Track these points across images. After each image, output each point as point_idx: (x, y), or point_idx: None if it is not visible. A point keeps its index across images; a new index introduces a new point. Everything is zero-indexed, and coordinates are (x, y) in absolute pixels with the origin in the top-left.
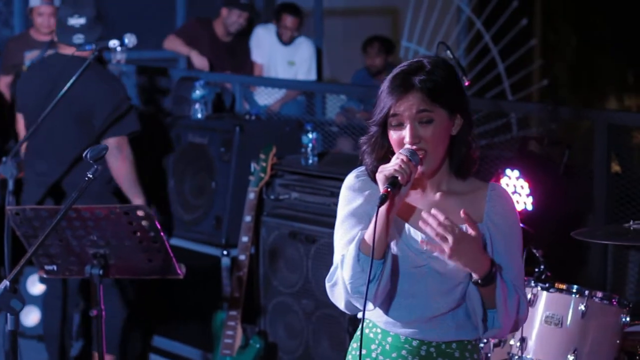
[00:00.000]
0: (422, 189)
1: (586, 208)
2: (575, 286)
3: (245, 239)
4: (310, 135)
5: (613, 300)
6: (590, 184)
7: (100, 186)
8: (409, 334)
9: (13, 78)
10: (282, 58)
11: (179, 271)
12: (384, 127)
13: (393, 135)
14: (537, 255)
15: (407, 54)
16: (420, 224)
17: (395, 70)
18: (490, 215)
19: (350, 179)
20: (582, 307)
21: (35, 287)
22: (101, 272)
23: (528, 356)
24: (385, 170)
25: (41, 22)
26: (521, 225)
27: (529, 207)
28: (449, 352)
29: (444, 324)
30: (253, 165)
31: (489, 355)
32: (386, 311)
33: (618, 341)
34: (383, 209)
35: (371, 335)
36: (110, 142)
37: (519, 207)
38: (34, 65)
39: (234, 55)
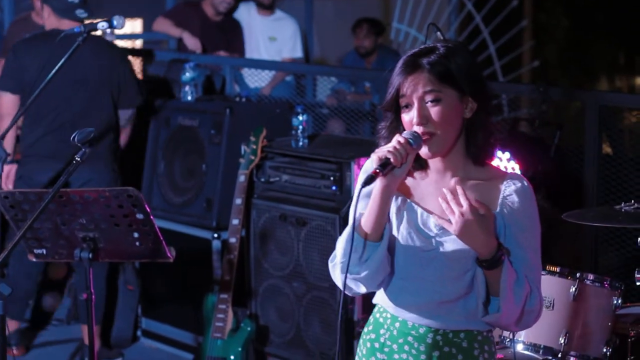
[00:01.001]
0: (438, 174)
1: (577, 190)
2: (566, 269)
3: (235, 221)
4: (300, 118)
5: (605, 282)
6: (581, 165)
7: (112, 153)
8: (416, 320)
9: None
10: (262, 33)
11: (168, 254)
12: (397, 111)
13: (405, 117)
14: None
15: (397, 35)
16: (441, 198)
17: (407, 53)
18: (506, 205)
19: (367, 163)
20: (573, 290)
21: None
22: (90, 255)
23: (520, 339)
24: (380, 151)
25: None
26: None
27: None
28: (457, 342)
29: (452, 312)
30: (243, 148)
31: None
32: (394, 295)
33: (610, 323)
34: (377, 190)
35: (381, 320)
36: (129, 113)
37: None
38: (28, 46)
39: (225, 34)
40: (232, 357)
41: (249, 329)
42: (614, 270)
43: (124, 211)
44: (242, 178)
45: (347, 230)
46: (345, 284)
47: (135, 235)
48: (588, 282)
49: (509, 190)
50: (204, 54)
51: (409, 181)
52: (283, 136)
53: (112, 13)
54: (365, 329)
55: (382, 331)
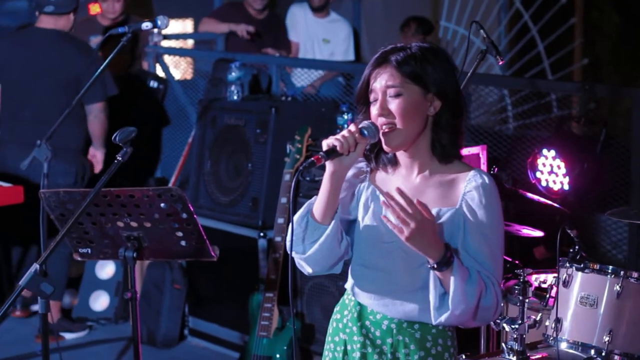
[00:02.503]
0: (406, 169)
1: (623, 188)
2: (610, 266)
3: (281, 220)
4: (345, 116)
5: None
6: (627, 162)
7: (75, 145)
8: (375, 307)
9: None
10: (317, 35)
11: (212, 253)
12: (368, 103)
13: (372, 110)
14: (572, 235)
15: (446, 33)
16: (382, 204)
17: (380, 50)
18: (466, 201)
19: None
20: (617, 288)
21: (104, 271)
22: (135, 254)
23: (563, 337)
24: (329, 138)
25: (106, 8)
26: (556, 205)
27: (566, 187)
28: (410, 332)
29: (409, 303)
30: (289, 147)
31: (524, 336)
32: (356, 280)
33: None
34: (325, 175)
35: (347, 301)
36: (96, 107)
37: (556, 187)
38: (10, 39)
39: (271, 31)
40: (277, 355)
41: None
42: None
43: (167, 210)
44: (287, 177)
45: (300, 211)
46: (291, 262)
47: (179, 234)
48: (632, 280)
49: (469, 187)
50: (250, 53)
51: (381, 175)
52: (328, 135)
53: (162, 13)
54: (335, 310)
55: (345, 312)
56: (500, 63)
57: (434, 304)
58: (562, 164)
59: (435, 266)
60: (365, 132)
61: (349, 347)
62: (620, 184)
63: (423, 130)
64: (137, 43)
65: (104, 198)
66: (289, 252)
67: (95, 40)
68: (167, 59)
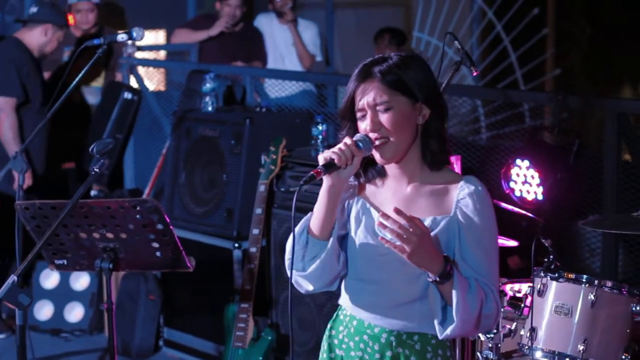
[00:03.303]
0: (395, 180)
1: (596, 197)
2: (584, 276)
3: (256, 231)
4: (320, 127)
5: (623, 289)
6: (600, 172)
7: None
8: (372, 320)
9: (52, 73)
10: (284, 41)
11: (188, 264)
12: (353, 118)
13: (361, 126)
14: (546, 245)
15: (419, 44)
16: (378, 226)
17: (361, 62)
18: (460, 209)
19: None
20: (591, 297)
21: (49, 281)
22: (111, 266)
23: (538, 346)
24: (325, 152)
25: (80, 19)
26: (530, 215)
27: (540, 197)
28: (410, 344)
29: (407, 315)
30: (263, 158)
31: (499, 345)
32: (351, 295)
33: (628, 330)
34: (323, 189)
35: (341, 317)
36: None
37: (530, 197)
38: None
39: (245, 44)
40: None
41: (269, 338)
42: (633, 278)
43: (143, 222)
44: (262, 188)
45: (298, 227)
46: (292, 279)
47: (155, 245)
48: (606, 289)
49: (462, 194)
50: (224, 65)
51: (369, 188)
52: (303, 146)
53: (135, 25)
54: (328, 326)
55: (340, 328)
56: (475, 74)
57: (438, 318)
58: (536, 174)
59: (437, 279)
60: (361, 144)
61: None
62: (594, 194)
63: (414, 141)
64: (111, 54)
65: (81, 209)
66: (288, 271)
67: (68, 52)
68: (141, 70)
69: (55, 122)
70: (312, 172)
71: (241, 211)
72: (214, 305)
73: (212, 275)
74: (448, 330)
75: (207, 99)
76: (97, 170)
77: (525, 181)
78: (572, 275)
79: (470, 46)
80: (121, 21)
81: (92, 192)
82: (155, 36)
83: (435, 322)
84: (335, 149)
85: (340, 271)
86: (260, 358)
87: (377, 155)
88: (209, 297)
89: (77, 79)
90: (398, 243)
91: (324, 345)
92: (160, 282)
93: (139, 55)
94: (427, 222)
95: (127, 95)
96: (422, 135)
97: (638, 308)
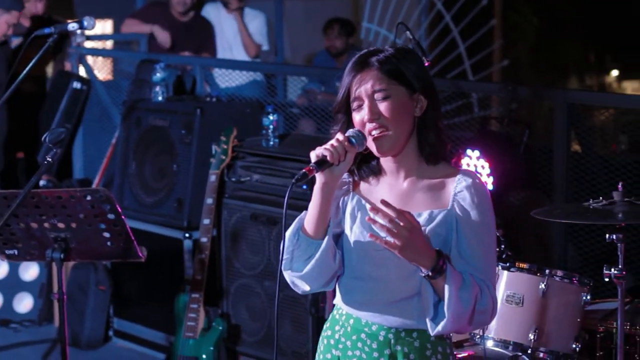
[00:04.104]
0: (391, 175)
1: (546, 187)
2: (535, 265)
3: (206, 221)
4: (271, 117)
5: (573, 279)
6: (550, 163)
7: None
8: (370, 318)
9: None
10: (231, 30)
11: (140, 254)
12: (348, 112)
13: (356, 117)
14: (498, 235)
15: (368, 35)
16: (368, 220)
17: (356, 54)
18: (458, 202)
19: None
20: (542, 286)
21: (28, 273)
22: (62, 256)
23: (490, 335)
24: (317, 149)
25: (29, 8)
26: None
27: (490, 187)
28: (409, 341)
29: (405, 311)
30: (214, 148)
31: (451, 335)
32: (348, 293)
33: (579, 319)
34: (316, 187)
35: (337, 316)
36: None
37: None
38: None
39: (194, 35)
40: (204, 356)
41: (220, 328)
42: (583, 267)
43: (95, 211)
44: (213, 178)
45: (291, 227)
46: (279, 280)
47: (107, 235)
48: (557, 279)
49: (459, 187)
50: (174, 54)
51: (364, 184)
52: (254, 136)
53: (83, 14)
54: (324, 326)
55: (337, 328)
56: (427, 64)
57: (430, 315)
58: (486, 164)
59: (430, 274)
60: (354, 140)
61: None
62: (543, 184)
63: (412, 133)
64: (60, 44)
65: (32, 199)
66: (283, 272)
67: (16, 42)
68: (89, 60)
69: (5, 112)
70: (304, 170)
71: (191, 201)
72: (165, 296)
73: (162, 266)
74: (439, 327)
75: (157, 88)
76: (50, 159)
77: (476, 171)
78: (523, 265)
79: (419, 37)
80: (69, 11)
81: (41, 182)
82: (102, 26)
83: (427, 318)
84: (327, 145)
85: (337, 270)
86: (211, 348)
87: (374, 148)
88: (159, 288)
89: (27, 68)
90: (389, 238)
91: (320, 346)
92: (110, 272)
93: (88, 44)
94: (424, 216)
95: (76, 84)
96: (419, 127)
97: (588, 297)
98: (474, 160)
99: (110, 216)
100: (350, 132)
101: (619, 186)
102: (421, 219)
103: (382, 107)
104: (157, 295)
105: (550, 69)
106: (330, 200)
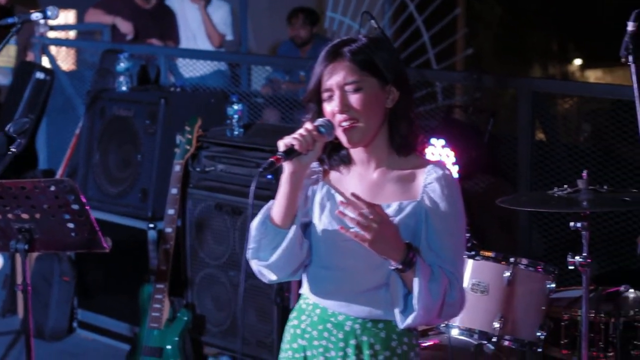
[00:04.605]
0: (362, 165)
1: (510, 175)
2: (501, 254)
3: (171, 211)
4: (235, 107)
5: (538, 267)
6: (514, 151)
7: None
8: (336, 308)
9: None
10: (195, 20)
11: (104, 245)
12: (319, 102)
13: (327, 108)
14: None
15: (332, 24)
16: (338, 213)
17: (329, 43)
18: (427, 194)
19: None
20: (507, 275)
21: None
22: (26, 247)
23: (455, 324)
24: (285, 138)
25: None
26: None
27: (455, 176)
28: (375, 331)
29: (372, 301)
30: (178, 138)
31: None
32: (315, 283)
33: (544, 307)
34: (284, 176)
35: (303, 306)
36: None
37: None
38: None
39: (157, 22)
40: (168, 346)
41: (185, 318)
42: (548, 255)
43: (59, 202)
44: (177, 168)
45: (258, 216)
46: (244, 270)
47: (71, 225)
48: (522, 267)
49: (429, 179)
50: (138, 44)
51: (334, 174)
52: (218, 126)
53: (46, 4)
54: (290, 316)
55: (303, 317)
56: None
57: (399, 307)
58: (451, 153)
59: (399, 267)
60: (323, 129)
61: (309, 353)
62: (508, 172)
63: (383, 124)
64: (23, 34)
65: None
66: (249, 261)
67: None
68: (52, 50)
69: None
70: (271, 159)
71: (156, 191)
72: (129, 286)
73: (126, 256)
74: (409, 319)
75: (122, 78)
76: (15, 150)
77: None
78: (488, 253)
79: (383, 26)
80: (33, 1)
81: None
82: (65, 16)
83: (396, 310)
84: (296, 134)
85: (304, 260)
86: (176, 338)
87: (344, 139)
88: (123, 278)
89: None
90: (358, 231)
91: (286, 336)
92: (74, 263)
93: (51, 34)
94: (393, 207)
95: (40, 75)
96: (391, 118)
97: (553, 285)
98: (438, 149)
99: (75, 207)
100: (319, 121)
101: (584, 174)
102: (390, 210)
103: (353, 99)
104: (121, 286)
105: (514, 57)
106: (299, 189)
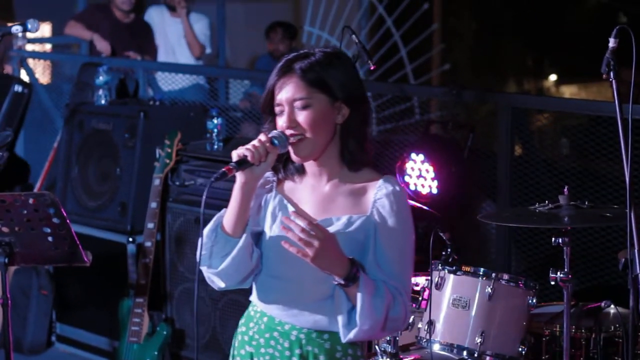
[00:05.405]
0: (314, 178)
1: (490, 191)
2: (481, 269)
3: (150, 225)
4: (215, 121)
5: (519, 282)
6: (494, 166)
7: None
8: (283, 317)
9: None
10: (175, 34)
11: (85, 258)
12: (274, 113)
13: (279, 122)
14: (444, 238)
15: (310, 38)
16: (282, 228)
17: (284, 57)
18: (377, 209)
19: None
20: (489, 290)
21: None
22: (6, 260)
23: (436, 339)
24: (239, 148)
25: None
26: (426, 208)
27: (434, 191)
28: (319, 342)
29: (318, 313)
30: (158, 151)
31: (397, 338)
32: (263, 291)
33: (525, 323)
34: (236, 186)
35: (252, 313)
36: None
37: (424, 191)
38: None
39: (136, 36)
40: None
41: (165, 332)
42: (526, 270)
43: (39, 215)
44: (157, 182)
45: (210, 224)
46: (197, 278)
47: (51, 239)
48: (503, 282)
49: (380, 194)
50: (117, 57)
51: (288, 184)
52: (198, 139)
53: (22, 16)
54: (240, 322)
55: (251, 325)
56: (373, 68)
57: (342, 321)
58: (431, 168)
59: (343, 282)
60: (276, 141)
61: None
62: (487, 188)
63: (332, 139)
64: (1, 47)
65: None
66: (200, 267)
67: None
68: (30, 63)
69: None
70: (223, 169)
71: (135, 205)
72: (108, 300)
73: (106, 270)
74: (351, 334)
75: (100, 92)
76: None
77: (420, 175)
78: (469, 269)
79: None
80: (8, 13)
81: None
82: (41, 29)
83: (340, 324)
84: (249, 145)
85: (253, 269)
86: (156, 353)
87: (292, 153)
88: (102, 292)
89: None
90: (301, 247)
91: (235, 342)
92: (52, 277)
93: (29, 47)
94: (343, 220)
95: (18, 88)
96: (342, 134)
97: (534, 301)
98: (418, 164)
99: (55, 220)
100: (273, 133)
101: (565, 190)
102: (339, 224)
103: (301, 115)
104: (100, 300)
105: (490, 73)
106: (250, 199)
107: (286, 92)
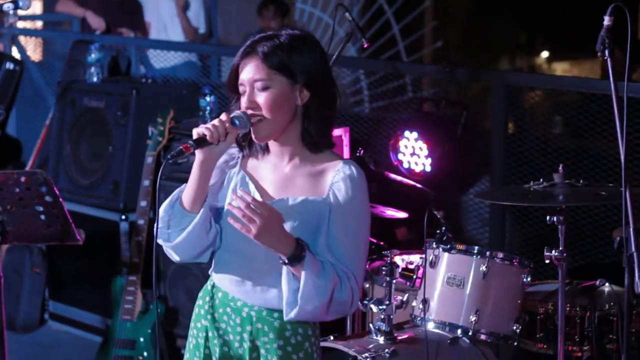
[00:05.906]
0: (276, 157)
1: (483, 169)
2: (476, 247)
3: (143, 203)
4: (208, 99)
5: (514, 260)
6: (488, 144)
7: None
8: (236, 293)
9: None
10: (168, 11)
11: (78, 237)
12: (238, 92)
13: (242, 101)
14: (439, 216)
15: (302, 15)
16: (227, 206)
17: (250, 38)
18: (333, 192)
19: None
20: (483, 268)
21: None
22: None
23: (430, 317)
24: (200, 127)
25: None
26: (420, 186)
27: (428, 169)
28: (269, 320)
29: (268, 291)
30: (150, 129)
31: (392, 316)
32: (218, 266)
33: (519, 301)
34: (195, 163)
35: (209, 287)
36: None
37: (418, 169)
38: None
39: (127, 12)
40: (141, 339)
41: (158, 310)
42: (519, 248)
43: (32, 193)
44: (149, 159)
45: (169, 198)
46: (155, 247)
47: (44, 217)
48: (498, 261)
49: (337, 177)
50: (109, 35)
51: (252, 162)
52: (190, 117)
53: None
54: (198, 295)
55: (207, 299)
56: (366, 46)
57: (287, 299)
58: (424, 146)
59: (287, 261)
60: (237, 121)
61: (210, 334)
62: (481, 166)
63: (292, 121)
64: None
65: None
66: (156, 240)
67: None
68: (21, 40)
69: None
70: (181, 147)
71: (128, 183)
72: (101, 278)
73: (98, 248)
74: (292, 313)
75: (93, 69)
76: None
77: (414, 153)
78: (463, 247)
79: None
80: None
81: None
82: (32, 6)
83: (284, 302)
84: (209, 124)
85: (210, 244)
86: (149, 331)
87: (252, 133)
88: (95, 270)
89: None
90: (245, 223)
91: (193, 314)
92: (45, 255)
93: (20, 24)
94: (299, 201)
95: (9, 65)
96: (302, 116)
97: (528, 279)
98: (412, 142)
99: (48, 198)
100: (235, 113)
101: (560, 168)
102: (295, 204)
103: (261, 97)
104: (93, 277)
105: (482, 50)
106: (208, 176)
107: (247, 73)
